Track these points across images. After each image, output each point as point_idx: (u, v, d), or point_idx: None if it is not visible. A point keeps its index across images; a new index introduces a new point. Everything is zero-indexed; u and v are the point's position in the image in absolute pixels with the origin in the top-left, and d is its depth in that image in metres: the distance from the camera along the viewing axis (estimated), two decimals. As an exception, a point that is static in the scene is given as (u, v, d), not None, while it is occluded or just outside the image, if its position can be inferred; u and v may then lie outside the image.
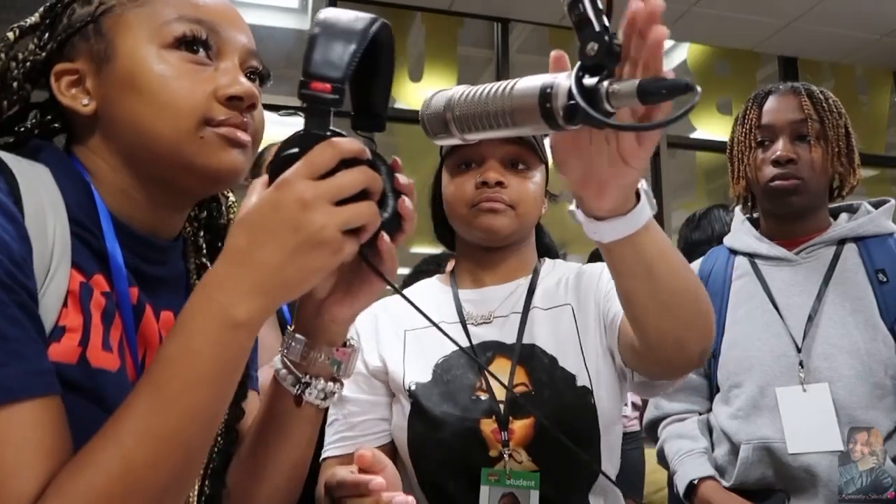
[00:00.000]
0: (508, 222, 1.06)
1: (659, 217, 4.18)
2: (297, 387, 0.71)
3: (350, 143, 0.57)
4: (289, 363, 0.72)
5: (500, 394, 1.00)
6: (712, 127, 4.40)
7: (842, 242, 1.33)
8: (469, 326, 1.09)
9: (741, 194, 1.42)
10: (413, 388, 1.02)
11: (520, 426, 0.98)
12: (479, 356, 1.04)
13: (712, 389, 1.39)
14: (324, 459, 1.07)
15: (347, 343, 0.73)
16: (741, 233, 1.43)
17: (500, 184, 1.05)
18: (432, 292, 1.17)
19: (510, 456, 0.96)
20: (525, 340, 1.06)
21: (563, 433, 0.94)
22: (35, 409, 0.51)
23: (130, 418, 0.52)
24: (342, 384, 0.74)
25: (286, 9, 4.01)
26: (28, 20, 0.68)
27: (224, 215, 0.80)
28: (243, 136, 0.66)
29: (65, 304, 0.58)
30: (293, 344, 0.71)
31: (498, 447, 0.97)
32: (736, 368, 1.32)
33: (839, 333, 1.25)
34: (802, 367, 1.25)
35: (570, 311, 1.09)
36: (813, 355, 1.25)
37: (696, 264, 1.49)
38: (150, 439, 0.52)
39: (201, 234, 0.77)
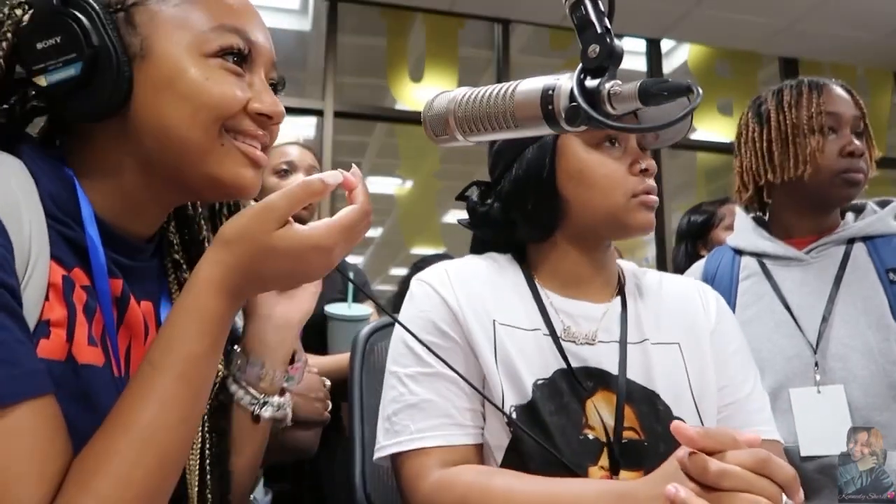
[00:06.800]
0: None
1: (659, 217, 4.20)
2: (255, 406, 0.75)
3: (367, 195, 0.64)
4: (243, 383, 0.75)
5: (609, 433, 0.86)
6: (713, 128, 4.40)
7: (851, 242, 1.32)
8: (563, 342, 0.91)
9: (756, 185, 1.37)
10: (514, 414, 0.85)
11: (629, 479, 0.83)
12: (581, 382, 0.89)
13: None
14: (409, 451, 0.86)
15: (295, 357, 0.79)
16: (747, 232, 1.42)
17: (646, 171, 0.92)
18: (511, 284, 0.97)
19: None
20: (628, 375, 0.90)
21: None
22: (29, 411, 0.50)
23: (161, 410, 0.55)
24: (289, 396, 0.79)
25: (286, 10, 4.01)
26: None
27: (195, 209, 0.79)
28: (261, 156, 0.67)
29: (46, 298, 0.57)
30: (249, 366, 0.75)
31: None
32: None
33: (851, 333, 1.24)
34: (818, 367, 1.24)
35: (678, 350, 0.95)
36: (828, 356, 1.24)
37: (699, 265, 1.48)
38: (189, 424, 0.58)
39: (171, 226, 0.77)
